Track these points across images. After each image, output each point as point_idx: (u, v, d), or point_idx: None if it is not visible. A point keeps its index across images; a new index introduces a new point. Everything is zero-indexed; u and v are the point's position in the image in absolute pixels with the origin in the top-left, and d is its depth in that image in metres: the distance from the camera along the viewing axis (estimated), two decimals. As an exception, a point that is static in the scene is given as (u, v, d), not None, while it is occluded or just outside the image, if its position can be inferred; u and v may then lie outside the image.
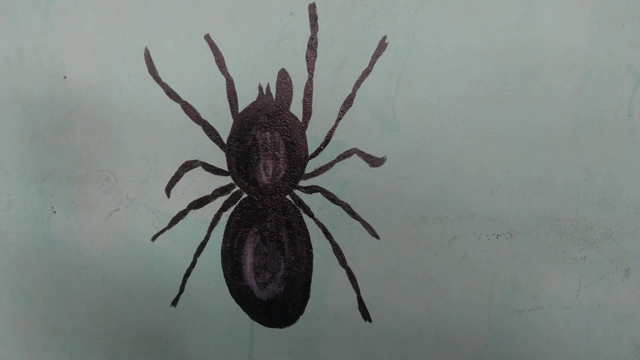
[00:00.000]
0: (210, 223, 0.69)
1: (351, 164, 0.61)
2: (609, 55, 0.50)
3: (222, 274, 0.72)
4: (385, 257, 0.62)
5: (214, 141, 0.66)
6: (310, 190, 0.64)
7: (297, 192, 0.64)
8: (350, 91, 0.58)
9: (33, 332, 0.87)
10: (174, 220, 0.71)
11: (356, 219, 0.62)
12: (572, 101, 0.51)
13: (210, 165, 0.67)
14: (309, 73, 0.59)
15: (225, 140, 0.66)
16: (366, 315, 0.66)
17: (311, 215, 0.65)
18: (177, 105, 0.66)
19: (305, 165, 0.63)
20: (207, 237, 0.70)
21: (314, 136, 0.62)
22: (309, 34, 0.58)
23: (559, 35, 0.50)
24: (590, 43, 0.50)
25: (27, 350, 0.89)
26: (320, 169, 0.62)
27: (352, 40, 0.57)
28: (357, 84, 0.58)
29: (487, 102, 0.54)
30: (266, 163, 0.64)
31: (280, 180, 0.64)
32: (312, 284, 0.67)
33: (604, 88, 0.50)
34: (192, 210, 0.70)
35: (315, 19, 0.57)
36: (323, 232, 0.65)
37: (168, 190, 0.71)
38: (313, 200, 0.64)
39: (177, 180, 0.70)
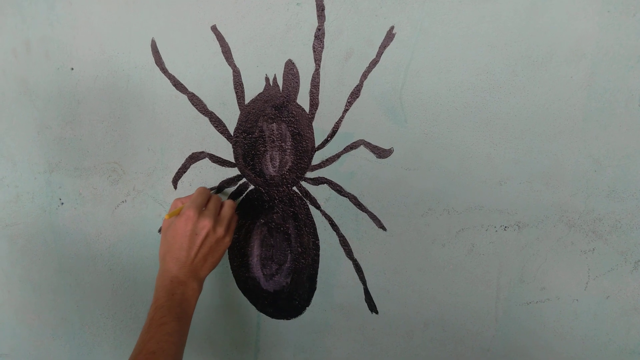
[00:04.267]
0: (217, 215, 0.69)
1: (358, 156, 0.60)
2: (619, 45, 0.49)
3: (229, 266, 0.72)
4: (392, 249, 0.62)
5: (221, 133, 0.66)
6: (317, 181, 0.63)
7: (303, 183, 0.64)
8: (357, 82, 0.58)
9: (41, 323, 0.88)
10: (181, 212, 0.72)
11: (363, 211, 0.62)
12: (582, 91, 0.51)
13: (217, 156, 0.67)
14: (315, 64, 0.59)
15: (232, 131, 0.66)
16: (373, 307, 0.66)
17: (318, 207, 0.65)
18: (184, 97, 0.66)
19: (312, 156, 0.63)
20: (213, 229, 0.70)
21: (320, 127, 0.61)
22: (316, 24, 0.58)
23: (568, 25, 0.50)
24: (600, 33, 0.49)
25: (36, 341, 0.90)
26: (327, 160, 0.62)
27: (360, 30, 0.56)
28: (365, 75, 0.57)
29: (495, 93, 0.53)
30: (273, 154, 0.64)
31: (287, 171, 0.64)
32: (318, 275, 0.67)
33: (614, 78, 0.50)
34: (198, 202, 0.70)
35: (323, 10, 0.57)
36: (330, 223, 0.64)
37: (175, 181, 0.71)
38: (320, 192, 0.64)
39: (184, 172, 0.70)
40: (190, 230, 0.58)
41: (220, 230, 0.60)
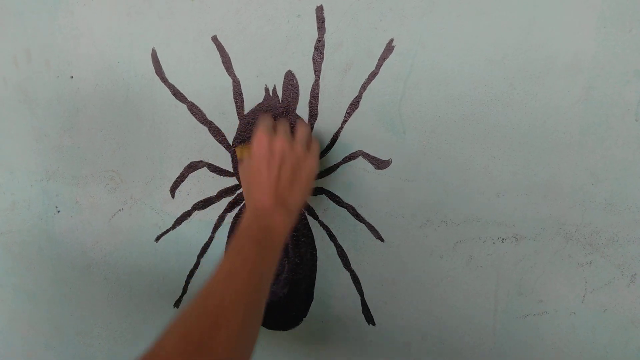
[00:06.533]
0: (215, 224, 0.69)
1: (357, 166, 0.61)
2: (615, 59, 0.50)
3: (226, 276, 0.72)
4: (390, 260, 0.62)
5: (220, 142, 0.66)
6: (315, 192, 0.63)
7: (302, 193, 0.64)
8: (356, 93, 0.58)
9: (35, 332, 0.87)
10: (178, 221, 0.71)
11: (361, 222, 0.62)
12: (579, 105, 0.51)
13: (216, 166, 0.67)
14: (315, 75, 0.60)
15: (230, 141, 0.66)
16: (370, 319, 0.65)
17: (316, 217, 0.65)
18: (183, 106, 0.67)
19: (311, 167, 0.63)
20: (210, 238, 0.70)
21: (319, 138, 0.62)
22: (316, 36, 0.58)
23: (565, 39, 0.50)
24: (597, 48, 0.50)
25: (29, 351, 0.89)
26: (325, 170, 0.62)
27: (359, 42, 0.57)
28: (364, 87, 0.58)
29: (493, 106, 0.54)
30: (271, 165, 0.64)
31: (285, 182, 0.64)
32: (316, 286, 0.67)
33: (610, 92, 0.50)
34: (196, 211, 0.70)
35: (323, 22, 0.58)
36: (327, 234, 0.64)
37: (173, 190, 0.71)
38: (318, 202, 0.64)
39: (182, 181, 0.70)
40: (265, 153, 0.53)
41: (299, 148, 0.54)
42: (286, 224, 0.52)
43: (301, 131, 0.56)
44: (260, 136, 0.54)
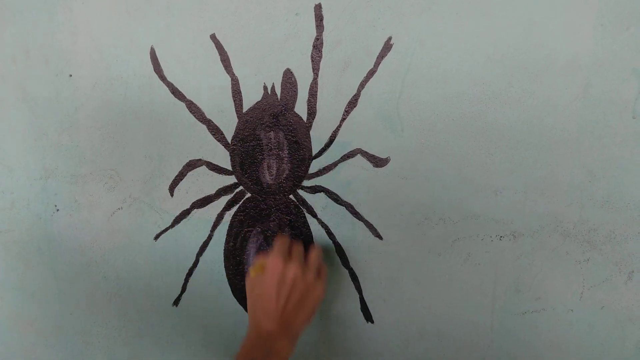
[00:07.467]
0: (214, 222, 0.70)
1: (355, 164, 0.61)
2: (613, 57, 0.50)
3: (225, 274, 0.72)
4: (388, 258, 0.62)
5: (218, 140, 0.66)
6: (314, 190, 0.64)
7: (300, 192, 0.64)
8: (354, 92, 0.58)
9: (34, 331, 0.87)
10: (177, 220, 0.72)
11: (359, 220, 0.62)
12: (577, 103, 0.51)
13: (214, 164, 0.67)
14: (314, 73, 0.60)
15: (229, 139, 0.66)
16: (368, 316, 0.65)
17: (314, 215, 0.65)
18: (182, 105, 0.67)
19: (309, 165, 0.63)
20: (209, 237, 0.70)
21: (318, 136, 0.62)
22: (314, 34, 0.59)
23: (564, 38, 0.51)
24: (595, 46, 0.50)
25: (27, 350, 0.89)
26: (324, 169, 0.62)
27: (358, 41, 0.57)
28: (362, 85, 0.58)
29: (491, 104, 0.54)
30: (270, 163, 0.65)
31: (283, 180, 0.65)
32: (314, 284, 0.67)
33: (608, 90, 0.50)
34: (195, 210, 0.70)
35: (321, 20, 0.58)
36: (326, 232, 0.65)
37: (172, 189, 0.71)
38: (316, 200, 0.64)
39: (181, 179, 0.70)
40: (278, 279, 0.55)
41: (310, 276, 0.56)
42: (289, 350, 0.55)
43: (314, 257, 0.59)
44: (276, 261, 0.56)
